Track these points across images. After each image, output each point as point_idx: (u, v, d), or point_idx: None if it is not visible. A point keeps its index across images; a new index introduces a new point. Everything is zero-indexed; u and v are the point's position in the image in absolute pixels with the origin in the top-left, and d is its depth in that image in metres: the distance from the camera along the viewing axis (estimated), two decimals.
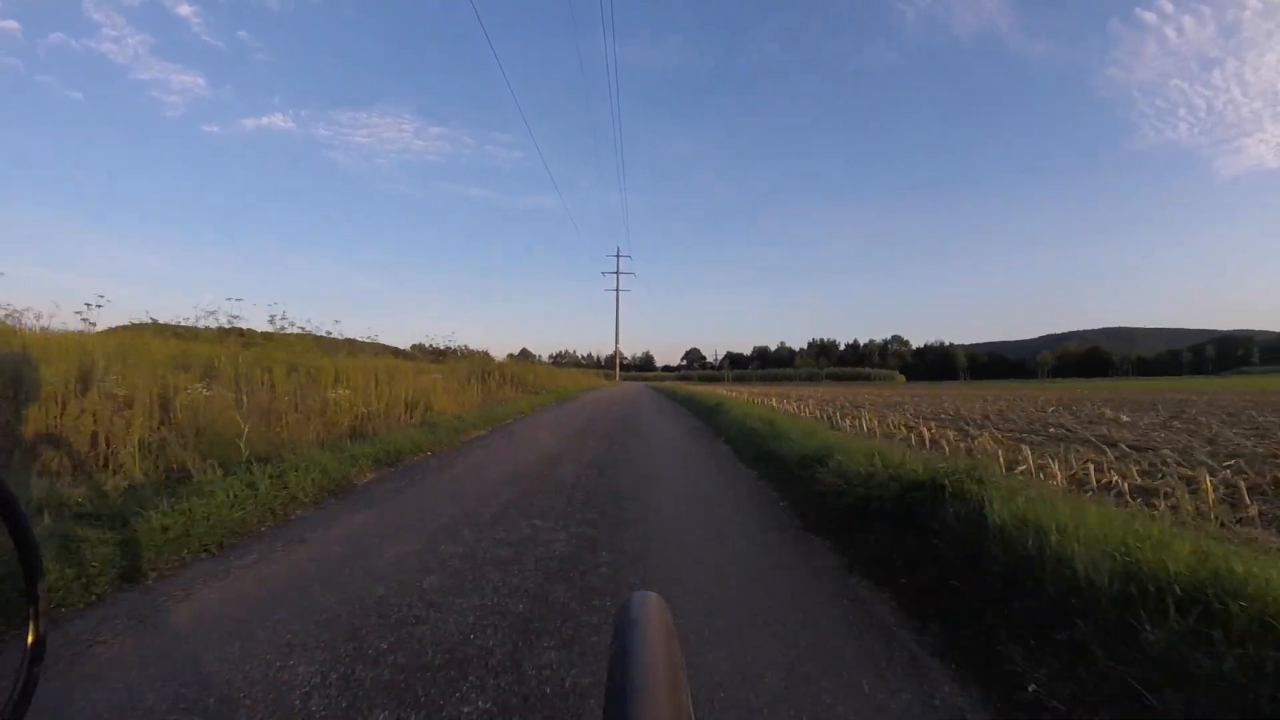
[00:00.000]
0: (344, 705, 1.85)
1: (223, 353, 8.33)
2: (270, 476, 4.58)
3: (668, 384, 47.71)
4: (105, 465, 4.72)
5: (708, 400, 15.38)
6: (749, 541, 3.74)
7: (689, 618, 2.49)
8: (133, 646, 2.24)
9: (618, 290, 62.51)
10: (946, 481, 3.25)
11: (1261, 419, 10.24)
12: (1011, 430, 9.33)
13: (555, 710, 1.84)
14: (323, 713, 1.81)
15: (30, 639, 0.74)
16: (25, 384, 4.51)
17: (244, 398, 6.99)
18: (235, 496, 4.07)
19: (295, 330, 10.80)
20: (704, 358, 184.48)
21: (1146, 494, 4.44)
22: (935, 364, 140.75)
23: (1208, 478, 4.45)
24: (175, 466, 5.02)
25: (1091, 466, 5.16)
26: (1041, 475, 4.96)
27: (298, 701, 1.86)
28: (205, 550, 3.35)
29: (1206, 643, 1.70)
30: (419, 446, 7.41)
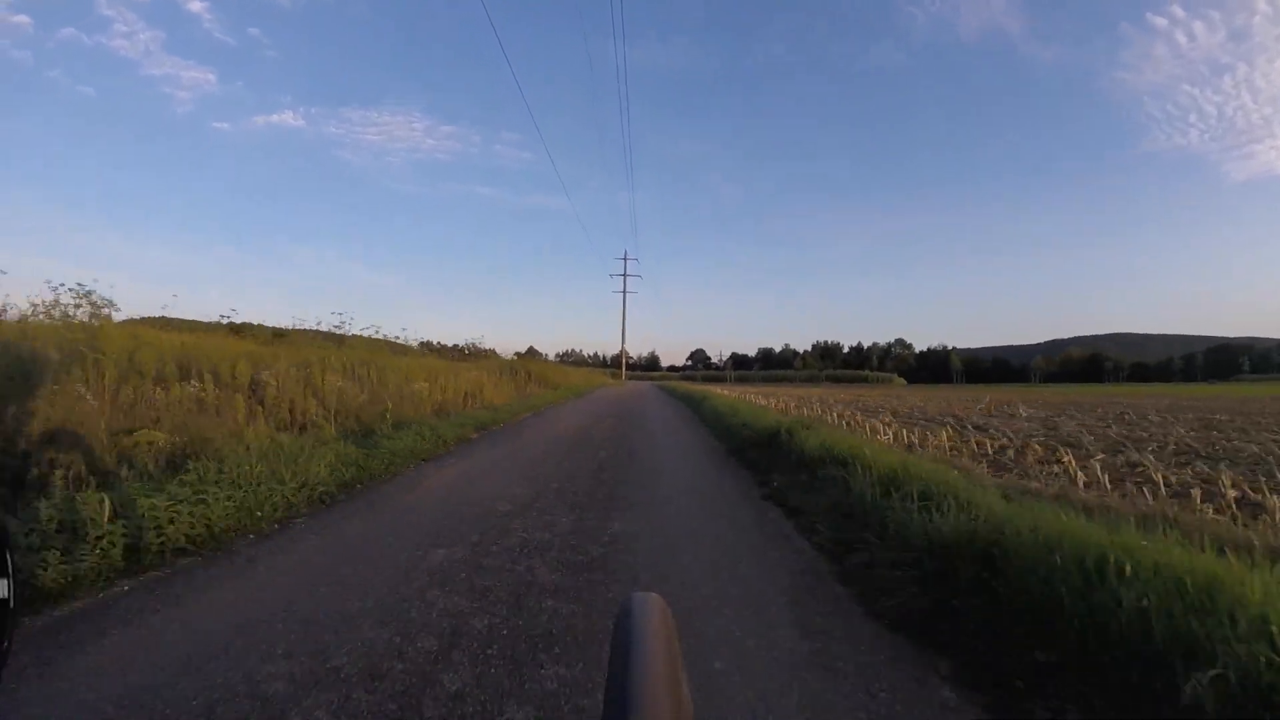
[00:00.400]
0: (532, 478, 5.16)
1: (329, 354, 11.73)
2: (423, 433, 7.87)
3: (670, 383, 50.99)
4: (302, 427, 8.00)
5: (698, 395, 18.67)
6: (697, 454, 7.34)
7: (669, 474, 5.83)
8: (458, 468, 5.59)
9: (624, 292, 65.84)
10: (785, 430, 6.54)
11: (1139, 419, 13.40)
12: (914, 420, 12.53)
13: (619, 461, 5.15)
14: (535, 472, 5.14)
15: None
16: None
17: (364, 387, 10.34)
18: (414, 440, 7.36)
19: (360, 333, 13.53)
20: (709, 358, 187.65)
21: (953, 451, 7.62)
22: (936, 367, 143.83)
23: (989, 441, 7.67)
24: (351, 429, 8.33)
25: (930, 435, 8.36)
26: (899, 442, 8.17)
27: (528, 474, 5.18)
28: (422, 460, 6.67)
29: (842, 466, 4.95)
30: (494, 421, 10.84)
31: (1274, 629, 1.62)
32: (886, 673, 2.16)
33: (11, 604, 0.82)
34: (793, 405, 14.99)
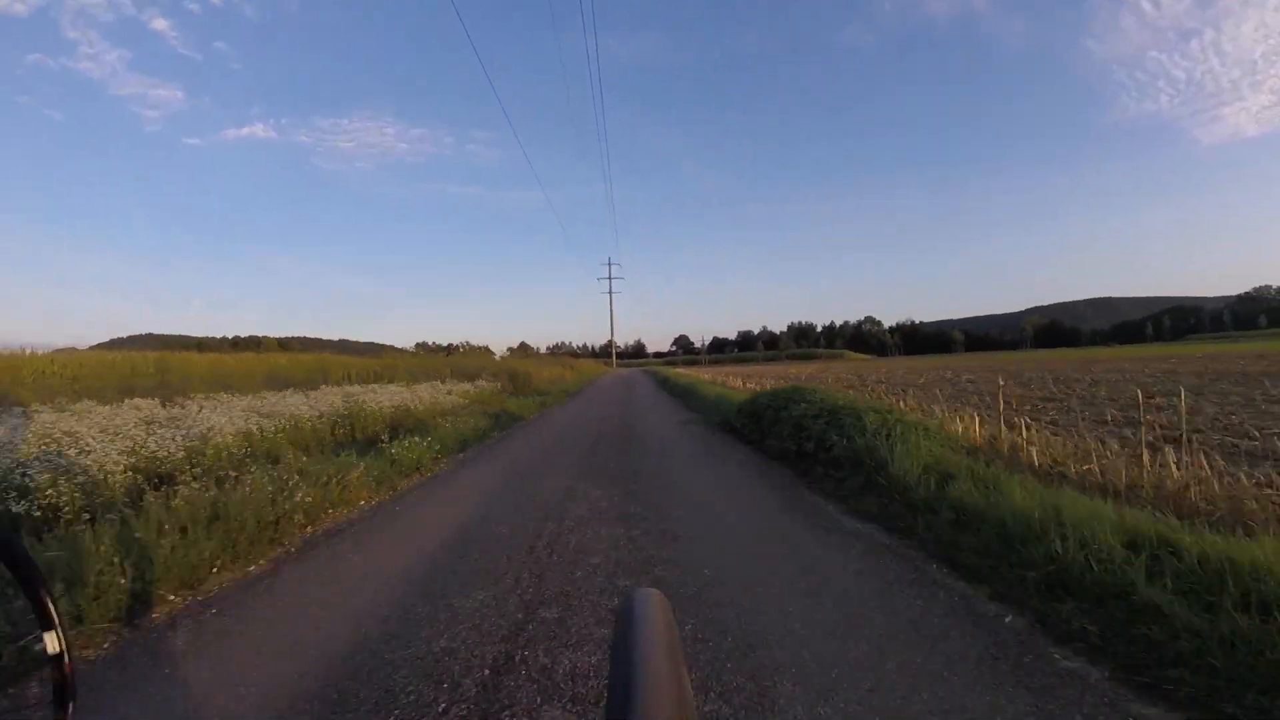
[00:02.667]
0: (569, 440, 14.22)
1: (440, 362, 20.82)
2: (541, 400, 16.79)
3: (652, 367, 60.31)
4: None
5: (670, 375, 27.77)
6: (656, 391, 16.82)
7: (640, 389, 14.93)
8: (577, 405, 14.61)
9: (610, 293, 74.70)
10: (692, 384, 15.69)
11: (1036, 376, 22.75)
12: (786, 378, 21.56)
13: (633, 413, 14.26)
14: (607, 397, 14.24)
15: (51, 649, 0.79)
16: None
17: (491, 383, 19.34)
18: (560, 394, 16.29)
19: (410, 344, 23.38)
20: (692, 343, 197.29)
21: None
22: (908, 341, 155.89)
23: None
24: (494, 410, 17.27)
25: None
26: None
27: (604, 397, 14.23)
28: (559, 404, 15.63)
29: (795, 403, 13.96)
30: (578, 385, 20.04)
31: (868, 421, 10.65)
32: (719, 436, 11.22)
33: (66, 656, 0.81)
34: (721, 377, 24.20)
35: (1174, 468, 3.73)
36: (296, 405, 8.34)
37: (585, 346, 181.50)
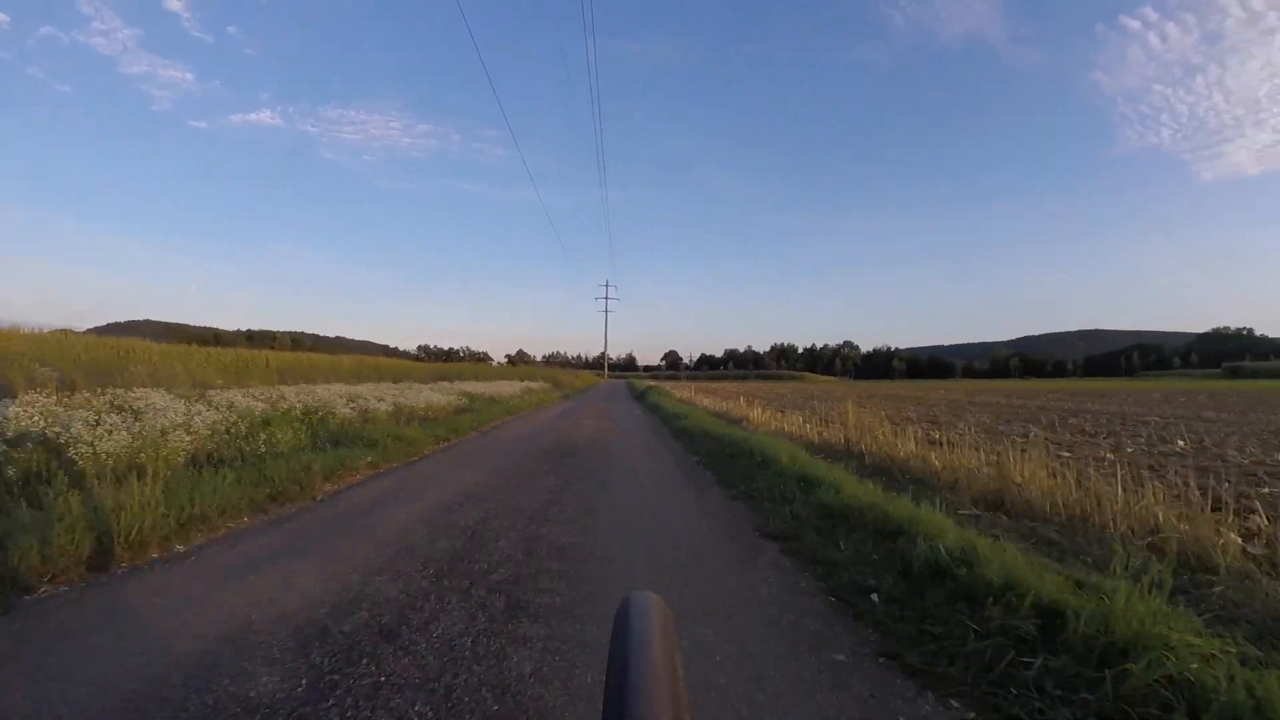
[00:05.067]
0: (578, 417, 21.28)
1: (494, 370, 27.86)
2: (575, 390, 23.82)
3: (637, 380, 67.29)
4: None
5: (643, 387, 34.72)
6: (626, 396, 24.52)
7: (619, 397, 21.97)
8: (572, 402, 21.60)
9: (605, 312, 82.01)
10: (647, 389, 22.74)
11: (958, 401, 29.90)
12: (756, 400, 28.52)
13: (617, 396, 21.49)
14: (593, 394, 21.26)
15: None
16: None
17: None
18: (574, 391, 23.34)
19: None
20: (680, 359, 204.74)
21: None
22: (880, 366, 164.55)
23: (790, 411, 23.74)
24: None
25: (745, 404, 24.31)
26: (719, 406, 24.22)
27: (598, 394, 21.27)
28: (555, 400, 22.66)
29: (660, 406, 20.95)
30: (585, 388, 27.40)
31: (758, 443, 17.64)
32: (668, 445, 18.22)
33: None
34: (684, 392, 31.11)
35: (876, 436, 10.67)
36: (429, 394, 15.18)
37: (579, 357, 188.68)
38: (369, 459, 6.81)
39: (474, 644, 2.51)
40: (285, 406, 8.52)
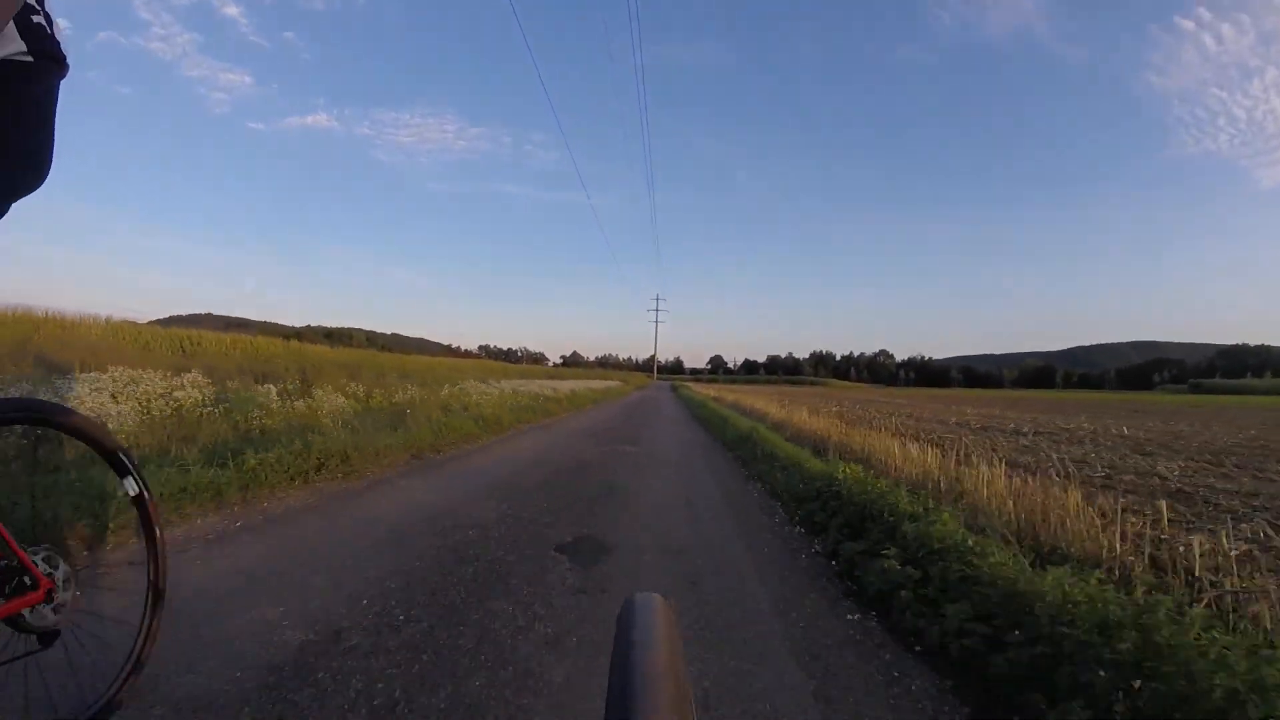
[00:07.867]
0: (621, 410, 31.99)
1: (572, 372, 39.37)
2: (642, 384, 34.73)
3: (681, 382, 77.56)
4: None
5: (685, 390, 45.15)
6: (669, 394, 35.82)
7: (664, 394, 32.76)
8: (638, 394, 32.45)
9: (655, 324, 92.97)
10: (679, 385, 33.40)
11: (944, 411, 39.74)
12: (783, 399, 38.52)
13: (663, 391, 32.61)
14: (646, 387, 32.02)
15: (151, 589, 0.81)
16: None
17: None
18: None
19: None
20: (725, 363, 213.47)
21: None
22: (917, 374, 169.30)
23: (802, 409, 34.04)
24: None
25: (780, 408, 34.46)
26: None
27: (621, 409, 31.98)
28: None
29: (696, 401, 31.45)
30: (643, 385, 38.80)
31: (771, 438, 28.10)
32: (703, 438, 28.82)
33: (148, 495, 0.96)
34: (704, 388, 41.24)
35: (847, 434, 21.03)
36: (541, 388, 25.97)
37: (630, 359, 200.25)
38: (570, 411, 17.74)
39: (602, 458, 7.59)
40: (524, 391, 19.56)
